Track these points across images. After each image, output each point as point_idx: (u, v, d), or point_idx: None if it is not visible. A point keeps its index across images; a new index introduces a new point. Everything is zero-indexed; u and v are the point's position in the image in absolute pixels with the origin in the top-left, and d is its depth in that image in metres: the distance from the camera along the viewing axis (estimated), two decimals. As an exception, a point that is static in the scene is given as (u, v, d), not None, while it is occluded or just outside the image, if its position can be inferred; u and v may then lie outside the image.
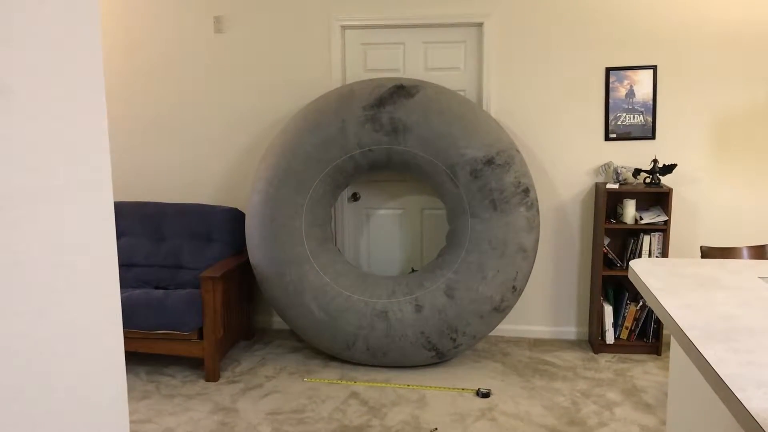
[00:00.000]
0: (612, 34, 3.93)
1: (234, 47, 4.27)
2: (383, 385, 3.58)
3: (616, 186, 3.81)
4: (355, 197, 4.33)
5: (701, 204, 4.01)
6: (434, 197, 4.25)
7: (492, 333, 4.32)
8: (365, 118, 3.61)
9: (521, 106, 4.06)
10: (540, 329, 4.27)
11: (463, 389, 3.51)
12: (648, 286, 1.90)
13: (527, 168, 3.72)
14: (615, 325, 3.96)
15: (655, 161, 3.82)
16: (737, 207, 3.99)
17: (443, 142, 3.56)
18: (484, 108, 4.07)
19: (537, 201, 3.69)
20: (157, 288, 3.98)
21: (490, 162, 3.54)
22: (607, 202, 3.88)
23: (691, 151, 3.97)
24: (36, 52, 1.24)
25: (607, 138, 4.01)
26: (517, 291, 3.63)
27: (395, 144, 3.62)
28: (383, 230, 4.35)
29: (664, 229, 3.80)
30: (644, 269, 2.08)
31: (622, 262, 3.94)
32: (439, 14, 4.03)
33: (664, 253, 3.80)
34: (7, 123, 1.17)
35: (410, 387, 3.55)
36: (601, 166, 4.02)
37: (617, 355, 3.94)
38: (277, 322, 4.51)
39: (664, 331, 3.99)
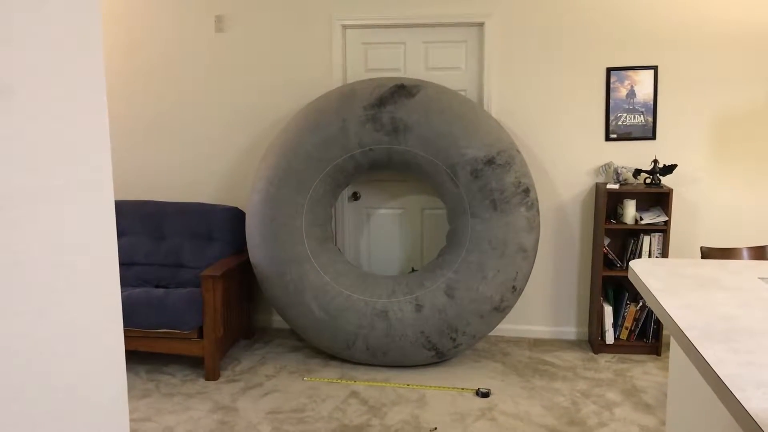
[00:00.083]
0: (613, 34, 3.93)
1: (235, 46, 4.28)
2: (383, 384, 3.59)
3: (617, 186, 3.81)
4: (355, 197, 4.33)
5: (701, 204, 4.01)
6: (434, 197, 4.25)
7: (492, 333, 4.32)
8: (366, 117, 3.61)
9: (522, 106, 4.06)
10: (540, 329, 4.27)
11: (462, 389, 3.51)
12: (648, 286, 1.90)
13: (527, 168, 3.72)
14: (615, 325, 3.96)
15: (655, 161, 3.82)
16: (737, 207, 3.99)
17: (444, 142, 3.56)
18: (485, 108, 4.07)
19: (537, 201, 3.69)
20: (157, 287, 3.99)
21: (490, 162, 3.55)
22: (607, 202, 3.88)
23: (692, 152, 3.97)
24: (37, 52, 1.25)
25: (607, 138, 4.01)
26: (517, 291, 3.63)
27: (396, 144, 3.62)
28: (383, 230, 4.35)
29: (664, 229, 3.80)
30: (644, 269, 2.08)
31: (622, 262, 3.94)
32: (440, 14, 4.03)
33: (664, 254, 3.80)
34: (8, 123, 1.17)
35: (410, 386, 3.56)
36: (602, 167, 4.02)
37: (617, 356, 3.94)
38: (277, 321, 4.52)
39: (664, 332, 3.99)
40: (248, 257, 4.02)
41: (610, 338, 3.93)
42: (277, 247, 3.70)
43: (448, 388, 3.53)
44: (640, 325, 3.93)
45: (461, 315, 3.57)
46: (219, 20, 4.24)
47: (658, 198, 3.97)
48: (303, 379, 3.65)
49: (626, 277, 4.03)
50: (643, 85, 3.93)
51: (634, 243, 3.87)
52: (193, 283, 3.99)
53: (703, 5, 3.84)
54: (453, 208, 3.66)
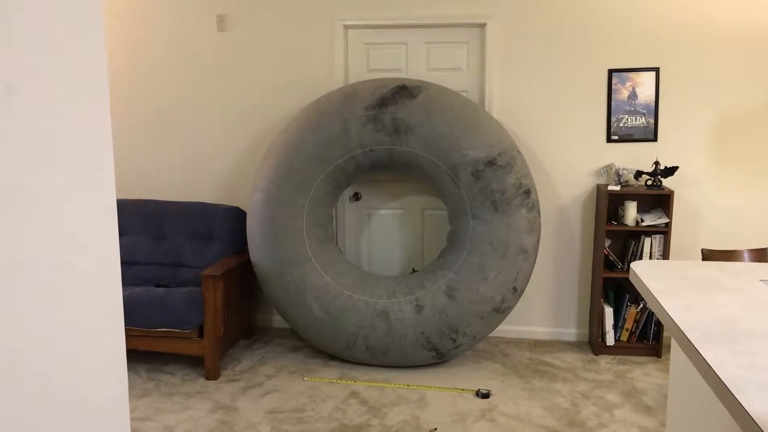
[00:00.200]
0: (614, 35, 3.93)
1: (237, 46, 4.28)
2: (383, 384, 3.58)
3: (618, 188, 3.81)
4: (356, 197, 4.33)
5: (702, 206, 4.01)
6: (435, 198, 4.25)
7: (492, 334, 4.31)
8: (367, 118, 3.61)
9: (523, 107, 4.06)
10: (540, 330, 4.27)
11: (463, 390, 3.51)
12: (649, 288, 1.90)
13: (529, 169, 3.72)
14: (615, 326, 3.96)
15: (656, 163, 3.82)
16: (738, 210, 3.98)
17: (445, 143, 3.56)
18: (486, 109, 4.07)
19: (538, 202, 3.69)
20: (157, 286, 3.99)
21: (491, 163, 3.54)
22: (608, 203, 3.87)
23: (693, 154, 3.97)
24: (38, 51, 1.24)
25: (608, 140, 4.01)
26: (517, 292, 3.63)
27: (397, 144, 3.62)
28: (384, 230, 4.35)
29: (665, 231, 3.79)
30: (645, 271, 2.08)
31: (623, 264, 3.93)
32: (442, 14, 4.03)
33: (665, 256, 3.80)
34: (10, 122, 1.17)
35: (410, 387, 3.55)
36: (603, 168, 4.02)
37: (617, 357, 3.94)
38: (278, 321, 4.51)
39: (665, 334, 3.98)
40: (249, 257, 4.02)
41: (610, 340, 3.93)
42: (278, 247, 3.70)
43: (449, 388, 3.53)
44: (640, 327, 3.93)
45: (462, 316, 3.57)
46: (221, 20, 4.24)
47: (659, 200, 3.97)
48: (303, 379, 3.65)
49: (627, 278, 4.03)
50: (644, 86, 3.93)
51: (635, 244, 3.87)
52: (194, 282, 3.99)
53: (705, 7, 3.84)
54: (454, 208, 3.66)
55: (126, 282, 4.03)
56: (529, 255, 3.60)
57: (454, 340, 3.63)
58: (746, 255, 2.99)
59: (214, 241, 4.12)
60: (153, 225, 4.20)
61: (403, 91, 3.64)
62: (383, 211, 4.34)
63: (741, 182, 3.96)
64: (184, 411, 3.28)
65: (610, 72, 3.95)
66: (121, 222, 4.24)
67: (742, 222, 3.99)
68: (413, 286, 3.67)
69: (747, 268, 2.14)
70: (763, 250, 3.03)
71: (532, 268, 3.70)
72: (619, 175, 3.90)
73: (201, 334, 3.63)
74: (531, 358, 3.94)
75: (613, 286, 4.13)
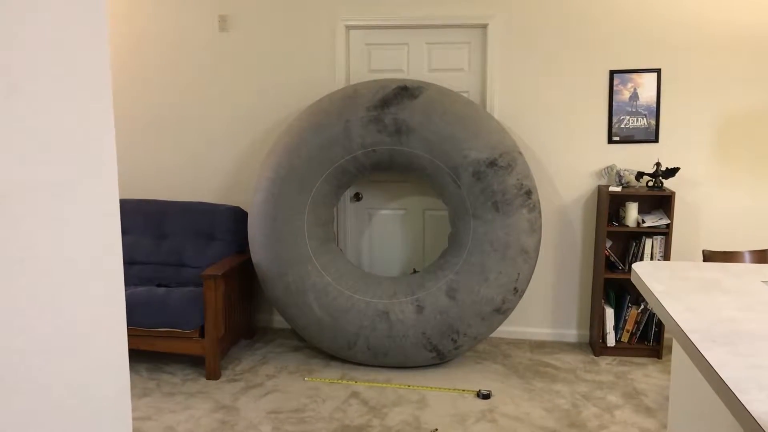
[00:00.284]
0: (616, 36, 3.93)
1: (238, 46, 4.28)
2: (384, 385, 3.59)
3: (619, 189, 3.81)
4: (357, 197, 4.33)
5: (704, 207, 4.01)
6: (436, 198, 4.25)
7: (493, 334, 4.32)
8: (369, 118, 3.61)
9: (524, 107, 4.06)
10: (541, 331, 4.27)
11: (463, 390, 3.51)
12: (651, 289, 1.90)
13: (530, 170, 3.72)
14: (616, 328, 3.96)
15: (658, 164, 3.82)
16: (740, 211, 3.99)
17: (446, 144, 3.56)
18: (488, 109, 4.07)
19: (539, 203, 3.69)
20: (158, 286, 3.99)
21: (492, 164, 3.55)
22: (609, 204, 3.87)
23: (694, 155, 3.97)
24: (42, 50, 1.25)
25: (610, 141, 4.01)
26: (518, 293, 3.63)
27: (398, 145, 3.62)
28: (385, 231, 4.35)
29: (666, 232, 3.79)
30: (647, 272, 2.08)
31: (624, 265, 3.94)
32: (444, 15, 4.03)
33: (666, 257, 3.80)
34: (13, 121, 1.18)
35: (411, 387, 3.56)
36: (604, 169, 4.02)
37: (618, 358, 3.94)
38: (278, 321, 4.52)
39: (665, 335, 3.99)
40: (250, 257, 4.03)
41: (611, 341, 3.93)
42: (279, 247, 3.70)
43: (449, 389, 3.53)
44: (641, 328, 3.93)
45: (462, 316, 3.57)
46: (223, 20, 4.25)
47: (660, 201, 3.97)
48: (304, 380, 3.65)
49: (628, 279, 4.03)
50: (646, 87, 3.93)
51: (636, 246, 3.87)
52: (195, 282, 3.99)
53: (707, 8, 3.84)
54: (455, 209, 3.66)
55: (127, 282, 4.04)
56: (530, 256, 3.61)
57: (455, 341, 3.64)
58: (747, 256, 3.00)
59: (215, 241, 4.12)
60: (154, 225, 4.20)
61: (405, 92, 3.64)
62: (384, 212, 4.34)
63: (742, 183, 3.96)
64: (185, 411, 3.28)
65: (612, 73, 3.95)
66: (123, 222, 4.24)
67: (743, 223, 3.99)
68: (414, 286, 3.67)
69: (748, 269, 2.14)
70: (764, 251, 3.03)
71: (533, 269, 3.70)
72: (620, 176, 3.90)
73: (202, 334, 3.63)
74: (531, 359, 3.94)
75: (614, 287, 4.13)
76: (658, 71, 3.92)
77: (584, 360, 3.93)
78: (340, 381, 3.63)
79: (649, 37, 3.91)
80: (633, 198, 4.00)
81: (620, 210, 3.96)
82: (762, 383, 1.26)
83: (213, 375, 3.63)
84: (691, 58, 3.90)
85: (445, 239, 4.30)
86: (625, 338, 3.96)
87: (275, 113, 4.32)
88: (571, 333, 4.24)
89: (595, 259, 4.09)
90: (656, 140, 3.97)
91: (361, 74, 4.22)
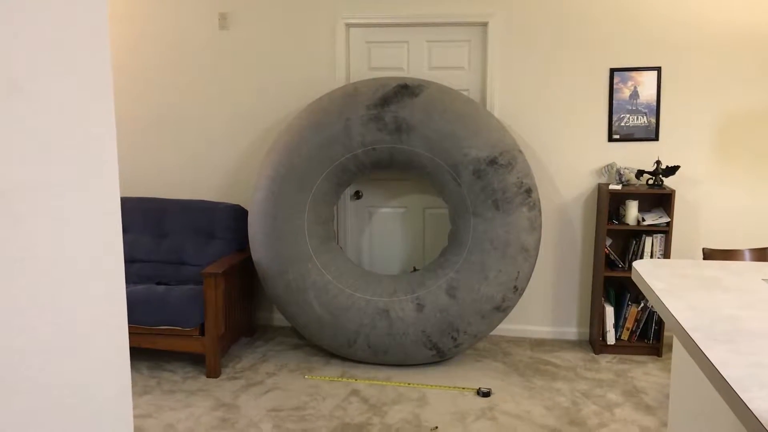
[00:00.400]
0: (617, 35, 3.93)
1: (239, 44, 4.28)
2: (384, 383, 3.59)
3: (619, 187, 3.81)
4: (357, 195, 4.33)
5: (704, 206, 4.01)
6: (436, 196, 4.25)
7: (493, 332, 4.32)
8: (369, 117, 3.61)
9: (525, 106, 4.06)
10: (541, 329, 4.27)
11: (463, 388, 3.51)
12: (651, 287, 1.91)
13: (530, 168, 3.72)
14: (616, 326, 3.96)
15: (658, 162, 3.82)
16: (740, 209, 3.99)
17: (446, 142, 3.56)
18: (488, 107, 4.07)
19: (539, 201, 3.69)
20: (159, 284, 3.99)
21: (493, 162, 3.55)
22: (609, 203, 3.88)
23: (695, 153, 3.97)
24: (42, 49, 1.25)
25: (610, 139, 4.01)
26: (518, 291, 3.63)
27: (398, 143, 3.62)
28: (385, 229, 4.35)
29: (666, 230, 3.80)
30: (647, 270, 2.08)
31: (624, 263, 3.94)
32: (444, 13, 4.03)
33: (666, 255, 3.81)
34: (15, 120, 1.17)
35: (411, 385, 3.56)
36: (604, 167, 4.02)
37: (618, 356, 3.94)
38: (279, 319, 4.52)
39: (665, 333, 3.99)
40: (250, 255, 4.03)
41: (611, 339, 3.93)
42: (279, 245, 3.70)
43: (449, 387, 3.53)
44: (641, 326, 3.94)
45: (462, 314, 3.57)
46: (223, 18, 4.25)
47: (660, 199, 3.97)
48: (304, 377, 3.66)
49: (628, 277, 4.03)
50: (646, 86, 3.93)
51: (636, 244, 3.87)
52: (195, 280, 3.99)
53: (707, 6, 3.84)
54: (455, 207, 3.66)
55: (127, 280, 4.04)
56: (530, 254, 3.61)
57: (455, 339, 3.64)
58: (747, 254, 3.00)
59: (216, 239, 4.12)
60: (154, 223, 4.20)
61: (405, 90, 3.64)
62: (384, 210, 4.34)
63: (742, 182, 3.96)
64: (186, 408, 3.28)
65: (612, 71, 3.95)
66: (123, 220, 4.24)
67: (743, 221, 3.99)
68: (414, 284, 3.67)
69: (748, 267, 2.15)
70: (764, 249, 3.03)
71: (533, 267, 3.70)
72: (620, 175, 3.90)
73: (202, 332, 3.63)
74: (532, 357, 3.94)
75: (614, 285, 4.13)
76: (659, 69, 3.91)
77: (584, 358, 3.93)
78: (340, 379, 3.64)
79: (649, 35, 3.90)
80: (633, 196, 4.00)
81: (620, 208, 3.96)
82: (763, 381, 1.26)
83: (213, 373, 3.64)
84: (691, 56, 3.89)
85: (446, 237, 4.30)
86: (625, 336, 3.97)
87: (275, 111, 4.32)
88: (571, 331, 4.24)
89: (595, 257, 4.09)
90: (656, 138, 3.97)
91: (362, 72, 4.22)
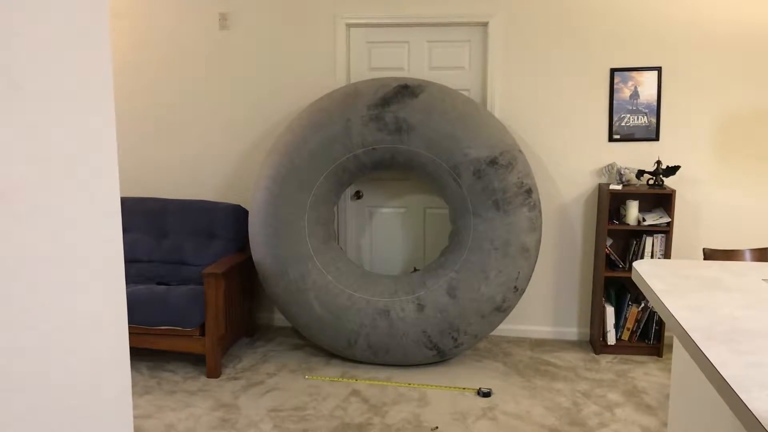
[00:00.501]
0: (617, 35, 3.93)
1: (239, 44, 4.28)
2: (384, 383, 3.59)
3: (620, 187, 3.81)
4: (358, 196, 4.33)
5: (704, 206, 4.01)
6: (437, 196, 4.25)
7: (493, 333, 4.32)
8: (369, 117, 3.61)
9: (525, 106, 4.06)
10: (541, 329, 4.27)
11: (464, 388, 3.51)
12: (651, 287, 1.91)
13: (530, 168, 3.72)
14: (616, 326, 3.96)
15: (658, 163, 3.82)
16: (740, 209, 3.99)
17: (447, 142, 3.56)
18: (488, 108, 4.07)
19: (539, 201, 3.69)
20: (159, 284, 3.99)
21: (493, 162, 3.55)
22: (610, 203, 3.87)
23: (695, 153, 3.97)
24: (43, 49, 1.25)
25: (610, 139, 4.01)
26: (518, 291, 3.63)
27: (399, 143, 3.62)
28: (386, 229, 4.35)
29: (666, 230, 3.79)
30: (648, 270, 2.08)
31: (625, 263, 3.94)
32: (444, 13, 4.03)
33: (667, 255, 3.80)
34: (16, 118, 1.18)
35: (411, 386, 3.56)
36: (605, 167, 4.02)
37: (618, 356, 3.94)
38: (279, 320, 4.52)
39: (666, 333, 3.99)
40: (250, 255, 4.03)
41: (611, 339, 3.93)
42: (280, 245, 3.70)
43: (450, 387, 3.53)
44: (641, 327, 3.93)
45: (463, 315, 3.57)
46: (223, 18, 4.25)
47: (660, 199, 3.97)
48: (304, 378, 3.66)
49: (628, 278, 4.03)
50: (646, 86, 3.93)
51: (636, 244, 3.87)
52: (195, 280, 3.99)
53: (708, 6, 3.84)
54: (455, 207, 3.66)
55: (128, 280, 4.04)
56: (531, 254, 3.61)
57: (456, 339, 3.64)
58: (748, 254, 2.99)
59: (216, 239, 4.12)
60: (155, 223, 4.20)
61: (405, 91, 3.64)
62: (385, 210, 4.34)
63: (743, 182, 3.96)
64: (186, 409, 3.29)
65: (612, 71, 3.95)
66: (123, 220, 4.24)
67: (743, 221, 3.99)
68: (414, 285, 3.67)
69: (749, 267, 2.14)
70: (764, 249, 3.03)
71: (534, 268, 3.70)
72: (620, 175, 3.90)
73: (202, 332, 3.63)
74: (532, 357, 3.94)
75: (615, 286, 4.13)
76: (659, 69, 3.91)
77: (585, 358, 3.93)
78: (340, 379, 3.64)
79: (649, 35, 3.90)
80: (633, 196, 4.00)
81: (621, 208, 3.96)
82: (763, 381, 1.26)
83: (213, 373, 3.64)
84: (691, 56, 3.89)
85: (446, 237, 4.30)
86: (625, 336, 3.96)
87: (275, 112, 4.32)
88: (572, 331, 4.24)
89: (595, 257, 4.09)
90: (657, 138, 3.97)
91: (362, 72, 4.22)
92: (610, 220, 3.91)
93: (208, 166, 4.44)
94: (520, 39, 4.01)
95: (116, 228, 1.50)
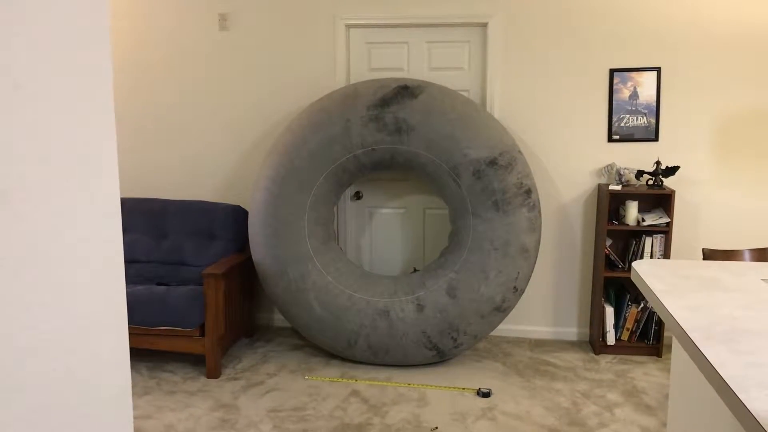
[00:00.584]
0: (616, 35, 3.93)
1: (239, 45, 4.28)
2: (384, 383, 3.59)
3: (619, 187, 3.82)
4: (357, 196, 4.34)
5: (703, 206, 4.01)
6: (436, 197, 4.25)
7: (493, 333, 4.32)
8: (369, 117, 3.62)
9: (525, 106, 4.06)
10: (541, 330, 4.27)
11: (463, 389, 3.52)
12: (651, 287, 1.91)
13: (530, 169, 3.72)
14: (616, 326, 3.96)
15: (658, 163, 3.82)
16: (740, 209, 3.99)
17: (446, 143, 3.56)
18: (488, 108, 4.07)
19: (539, 202, 3.69)
20: (159, 284, 3.99)
21: (492, 163, 3.55)
22: (609, 203, 3.88)
23: (694, 154, 3.97)
24: (43, 48, 1.25)
25: (610, 139, 4.01)
26: (518, 291, 3.64)
27: (398, 144, 3.62)
28: (385, 229, 4.35)
29: (666, 230, 3.80)
30: (647, 270, 2.08)
31: (624, 263, 3.94)
32: (444, 14, 4.03)
33: (666, 255, 3.81)
34: (16, 118, 1.18)
35: (411, 386, 3.56)
36: (604, 168, 4.02)
37: (618, 357, 3.95)
38: (279, 320, 4.52)
39: (665, 333, 3.99)
40: (250, 255, 4.03)
41: (611, 339, 3.93)
42: (280, 245, 3.70)
43: (449, 387, 3.54)
44: (641, 327, 3.94)
45: (462, 315, 3.57)
46: (223, 18, 4.25)
47: (660, 199, 3.97)
48: (304, 378, 3.66)
49: (628, 278, 4.03)
50: (646, 86, 3.93)
51: (635, 244, 3.87)
52: (195, 281, 4.00)
53: (707, 7, 3.84)
54: (455, 208, 3.67)
55: (127, 280, 4.04)
56: (530, 254, 3.61)
57: (455, 339, 3.64)
58: (747, 254, 3.00)
59: (216, 239, 4.12)
60: (154, 223, 4.20)
61: (405, 91, 3.64)
62: (384, 211, 4.34)
63: (742, 182, 3.96)
64: (186, 409, 3.29)
65: (612, 71, 3.95)
66: (123, 220, 4.24)
67: (742, 222, 4.00)
68: (414, 285, 3.67)
69: (748, 267, 2.15)
70: (763, 249, 3.03)
71: (533, 268, 3.70)
72: (620, 175, 3.91)
73: (202, 333, 3.64)
74: (532, 358, 3.95)
75: (614, 286, 4.13)
76: (658, 70, 3.92)
77: (584, 358, 3.93)
78: (340, 379, 3.64)
79: (649, 35, 3.91)
80: (633, 197, 4.01)
81: (620, 208, 3.96)
82: (762, 381, 1.26)
83: (213, 373, 3.64)
84: (691, 56, 3.90)
85: (446, 238, 4.30)
86: (625, 336, 3.97)
87: (275, 112, 4.32)
88: (571, 331, 4.24)
89: (595, 257, 4.09)
90: (656, 139, 3.97)
91: (361, 73, 4.22)
92: (610, 220, 3.91)
93: (208, 167, 4.44)
94: (519, 39, 4.01)
95: (116, 228, 1.50)
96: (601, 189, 3.96)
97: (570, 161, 4.07)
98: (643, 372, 3.72)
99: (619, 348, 3.96)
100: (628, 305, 3.93)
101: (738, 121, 3.91)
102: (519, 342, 4.21)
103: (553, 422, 3.15)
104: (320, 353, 4.01)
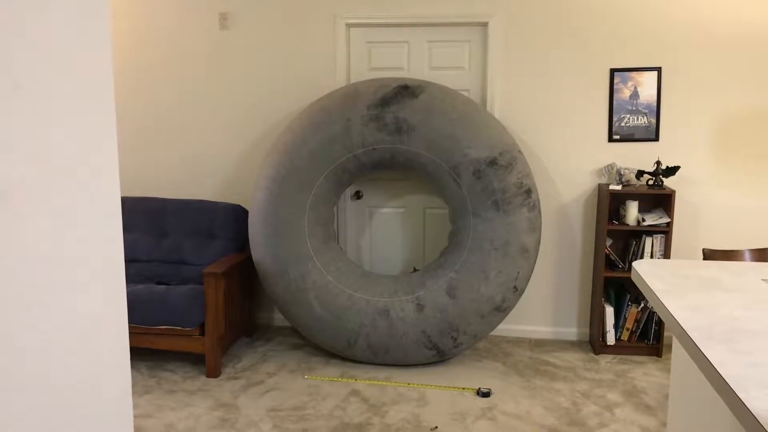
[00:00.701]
0: (617, 35, 3.93)
1: (239, 44, 4.28)
2: (384, 383, 3.59)
3: (619, 187, 3.82)
4: (358, 196, 4.34)
5: (704, 206, 4.01)
6: (436, 197, 4.25)
7: (493, 333, 4.32)
8: (369, 117, 3.62)
9: (525, 106, 4.06)
10: (541, 329, 4.27)
11: (463, 388, 3.52)
12: (651, 287, 1.91)
13: (530, 169, 3.72)
14: (616, 326, 3.96)
15: (658, 163, 3.82)
16: (740, 209, 3.99)
17: (447, 143, 3.56)
18: (488, 108, 4.07)
19: (539, 202, 3.69)
20: (159, 284, 3.99)
21: (493, 163, 3.55)
22: (609, 203, 3.88)
23: (695, 154, 3.97)
24: (44, 48, 1.25)
25: (610, 139, 4.01)
26: (518, 291, 3.64)
27: (399, 143, 3.62)
28: (386, 229, 4.35)
29: (666, 230, 3.80)
30: (647, 270, 2.08)
31: (624, 263, 3.94)
32: (444, 13, 4.03)
33: (666, 255, 3.81)
34: (16, 117, 1.18)
35: (411, 385, 3.56)
36: (604, 168, 4.02)
37: (618, 357, 3.95)
38: (279, 319, 4.52)
39: (665, 333, 3.99)
40: (250, 255, 4.03)
41: (611, 339, 3.93)
42: (280, 245, 3.70)
43: (449, 387, 3.54)
44: (641, 327, 3.94)
45: (462, 315, 3.58)
46: (223, 18, 4.25)
47: (660, 199, 3.97)
48: (304, 377, 3.66)
49: (628, 278, 4.03)
50: (646, 86, 3.93)
51: (636, 244, 3.87)
52: (195, 280, 4.00)
53: (708, 7, 3.84)
54: (455, 208, 3.67)
55: (127, 279, 4.04)
56: (530, 254, 3.61)
57: (455, 339, 3.64)
58: (747, 255, 3.00)
59: (216, 239, 4.12)
60: (154, 222, 4.20)
61: (405, 91, 3.64)
62: (385, 210, 4.34)
63: (742, 182, 3.96)
64: (185, 408, 3.29)
65: (612, 71, 3.95)
66: (123, 219, 4.24)
67: (743, 222, 3.99)
68: (414, 285, 3.67)
69: (748, 267, 2.15)
70: (764, 249, 3.03)
71: (533, 268, 3.70)
72: (620, 175, 3.91)
73: (202, 332, 3.64)
74: (531, 357, 3.95)
75: (614, 286, 4.13)
76: (659, 70, 3.92)
77: (584, 358, 3.93)
78: (340, 379, 3.64)
79: (649, 35, 3.91)
80: (633, 196, 4.00)
81: (620, 208, 3.96)
82: (762, 381, 1.26)
83: (213, 373, 3.64)
84: (691, 56, 3.89)
85: (446, 238, 4.30)
86: (625, 336, 3.97)
87: (275, 112, 4.32)
88: (571, 331, 4.24)
89: (595, 257, 4.09)
90: (656, 139, 3.97)
91: (361, 72, 4.22)
92: (610, 220, 3.91)
93: (208, 166, 4.44)
94: (519, 39, 4.01)
95: (116, 228, 1.50)
96: (601, 189, 3.96)
97: (570, 161, 4.07)
98: (643, 372, 3.72)
99: (619, 348, 3.96)
100: (628, 305, 3.93)
101: (738, 121, 3.91)
102: (519, 342, 4.21)
103: (553, 422, 3.15)
104: (320, 353, 4.01)
